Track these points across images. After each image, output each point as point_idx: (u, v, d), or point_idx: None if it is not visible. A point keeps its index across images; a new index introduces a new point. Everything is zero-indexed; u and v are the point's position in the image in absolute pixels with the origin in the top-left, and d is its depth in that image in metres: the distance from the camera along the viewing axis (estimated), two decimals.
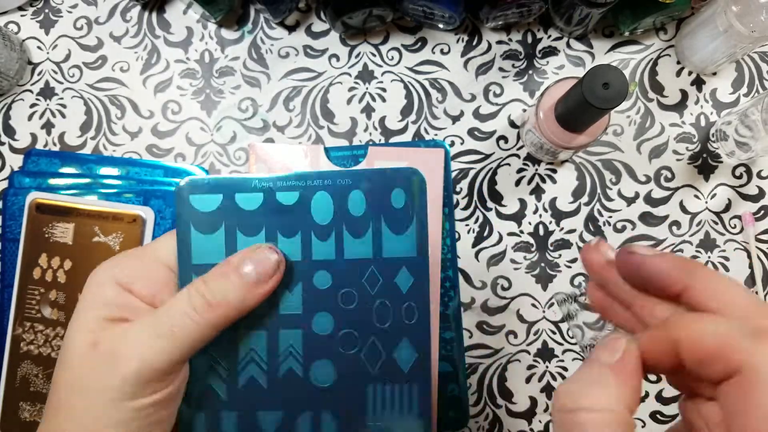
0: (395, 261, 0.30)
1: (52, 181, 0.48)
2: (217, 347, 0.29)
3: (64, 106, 0.50)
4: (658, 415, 0.48)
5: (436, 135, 0.50)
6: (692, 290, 0.22)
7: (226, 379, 0.29)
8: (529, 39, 0.51)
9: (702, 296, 0.21)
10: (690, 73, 0.50)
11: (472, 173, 0.50)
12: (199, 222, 0.29)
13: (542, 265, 0.49)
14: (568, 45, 0.51)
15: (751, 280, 0.49)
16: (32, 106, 0.50)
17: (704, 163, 0.50)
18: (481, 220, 0.49)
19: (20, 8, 0.51)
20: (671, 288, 0.22)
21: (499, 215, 0.49)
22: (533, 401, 0.49)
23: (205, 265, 0.29)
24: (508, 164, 0.50)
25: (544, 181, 0.50)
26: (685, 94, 0.50)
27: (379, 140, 0.50)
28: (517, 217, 0.49)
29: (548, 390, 0.49)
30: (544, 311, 0.49)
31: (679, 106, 0.50)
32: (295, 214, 0.30)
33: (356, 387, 0.30)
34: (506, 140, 0.50)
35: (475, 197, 0.49)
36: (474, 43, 0.51)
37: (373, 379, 0.30)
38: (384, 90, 0.50)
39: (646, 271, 0.23)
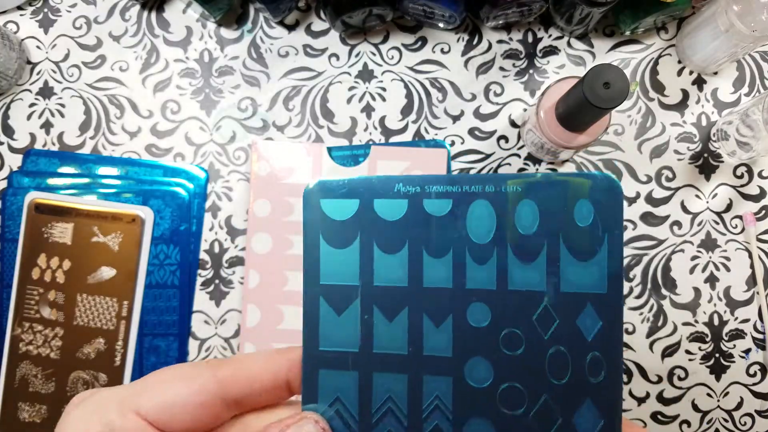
0: (577, 297, 0.23)
1: (51, 181, 0.48)
2: (346, 392, 0.24)
3: (63, 105, 0.50)
4: (659, 416, 0.48)
5: (436, 135, 0.50)
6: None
7: None
8: (530, 38, 0.50)
9: None
10: (691, 73, 0.50)
11: (472, 173, 0.49)
12: (331, 233, 0.24)
13: None
14: (569, 44, 0.50)
15: (752, 281, 0.49)
16: (31, 105, 0.50)
17: (705, 162, 0.50)
18: None
19: (19, 8, 0.51)
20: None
21: None
22: None
23: (336, 285, 0.24)
24: (509, 164, 0.50)
25: None
26: (686, 94, 0.50)
27: (379, 140, 0.50)
28: None
29: None
30: None
31: (680, 106, 0.50)
32: (446, 227, 0.24)
33: None
34: (507, 140, 0.50)
35: None
36: (474, 42, 0.50)
37: None
38: (384, 89, 0.50)
39: None
